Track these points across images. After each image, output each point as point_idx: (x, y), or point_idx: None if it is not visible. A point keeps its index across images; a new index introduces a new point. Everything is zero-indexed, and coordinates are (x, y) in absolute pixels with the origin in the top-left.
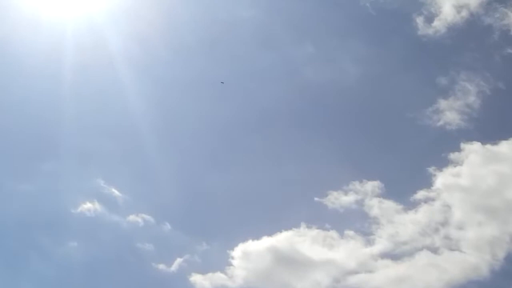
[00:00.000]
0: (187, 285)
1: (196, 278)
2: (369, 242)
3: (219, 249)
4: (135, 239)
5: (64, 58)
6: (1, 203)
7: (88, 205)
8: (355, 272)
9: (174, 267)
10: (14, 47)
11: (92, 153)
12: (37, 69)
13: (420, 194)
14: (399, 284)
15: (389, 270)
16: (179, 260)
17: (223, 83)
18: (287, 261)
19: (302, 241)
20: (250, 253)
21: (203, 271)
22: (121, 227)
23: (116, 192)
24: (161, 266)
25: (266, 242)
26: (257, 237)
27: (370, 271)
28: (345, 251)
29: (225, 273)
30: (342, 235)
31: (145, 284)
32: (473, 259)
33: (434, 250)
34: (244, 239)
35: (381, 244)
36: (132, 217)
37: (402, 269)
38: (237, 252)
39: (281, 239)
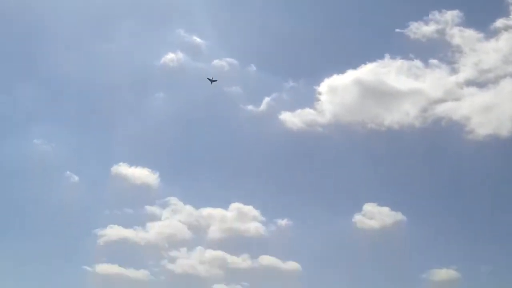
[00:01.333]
0: (277, 123)
1: (285, 115)
2: (454, 70)
3: (306, 86)
4: (221, 83)
5: None
6: (88, 62)
7: (170, 56)
8: (442, 100)
9: (262, 106)
10: None
11: (170, 3)
12: None
13: (500, 22)
14: (486, 112)
15: (476, 98)
16: (267, 99)
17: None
18: (374, 93)
19: (387, 72)
20: (336, 87)
21: (292, 108)
22: (206, 73)
23: (197, 39)
24: (250, 107)
25: (350, 75)
26: (341, 71)
27: (457, 99)
28: (431, 80)
29: (314, 109)
30: (426, 64)
31: (236, 125)
32: None
33: None
34: (329, 74)
35: (465, 72)
36: (216, 62)
37: (488, 96)
38: (323, 87)
39: (366, 72)
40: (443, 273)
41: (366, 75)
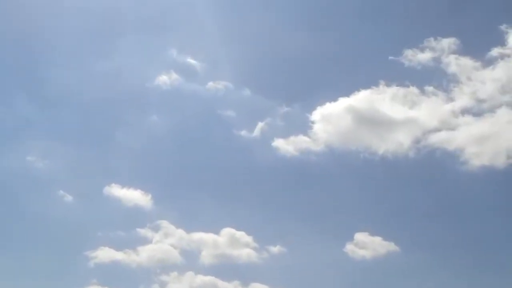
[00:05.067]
0: (270, 150)
1: (278, 142)
2: (450, 99)
3: (300, 112)
4: (215, 107)
5: None
6: (81, 81)
7: (164, 77)
8: (437, 130)
9: (256, 132)
10: None
11: (164, 23)
12: None
13: (496, 51)
14: (482, 142)
15: (471, 128)
16: (260, 125)
17: None
18: (368, 121)
19: (382, 99)
20: (330, 115)
21: (285, 135)
22: (200, 96)
23: (192, 60)
24: (243, 132)
25: (343, 102)
26: (335, 98)
27: (452, 129)
28: (426, 108)
29: (308, 136)
30: (422, 91)
31: (228, 151)
32: None
33: None
34: (323, 101)
35: (461, 100)
36: (211, 85)
37: (484, 126)
38: (317, 114)
39: (360, 99)
40: None
41: (359, 102)
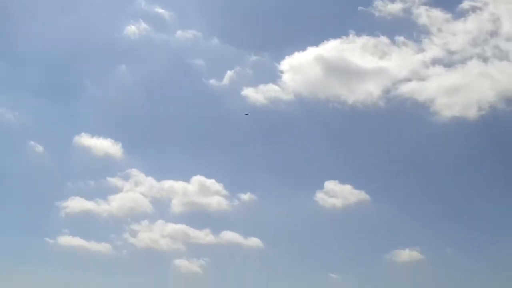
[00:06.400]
0: (239, 99)
1: (248, 91)
2: (420, 50)
3: (269, 61)
4: (184, 56)
5: None
6: (50, 33)
7: (132, 27)
8: (407, 80)
9: (225, 80)
10: None
11: None
12: None
13: (467, 4)
14: (452, 93)
15: (442, 79)
16: (229, 73)
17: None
18: (337, 71)
19: (351, 49)
20: (299, 64)
21: (254, 84)
22: (169, 45)
23: (160, 10)
24: (213, 81)
25: (313, 52)
26: (303, 48)
27: (423, 79)
28: (396, 58)
29: (277, 85)
30: (393, 41)
31: (197, 99)
32: None
33: (485, 60)
34: (292, 51)
35: (432, 51)
36: (179, 34)
37: (455, 78)
38: (286, 64)
39: (329, 48)
40: (406, 254)
41: (329, 52)
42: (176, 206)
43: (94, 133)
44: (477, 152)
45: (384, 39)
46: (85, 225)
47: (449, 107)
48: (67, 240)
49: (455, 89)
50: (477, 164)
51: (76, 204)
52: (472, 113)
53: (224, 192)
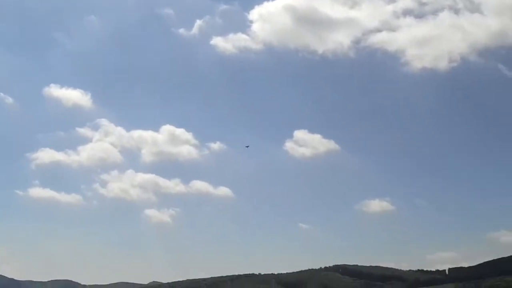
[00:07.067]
0: (209, 48)
1: (217, 40)
2: (392, 0)
3: (238, 10)
4: (153, 5)
5: None
6: None
7: None
8: (377, 30)
9: (194, 30)
10: None
11: None
12: None
13: None
14: (423, 44)
15: (413, 30)
16: (199, 23)
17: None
18: (307, 20)
19: None
20: (269, 13)
21: (224, 33)
22: None
23: None
24: (182, 30)
25: (282, 1)
26: None
27: (393, 30)
28: (367, 9)
29: (246, 34)
30: None
31: (167, 49)
32: (496, 24)
33: (456, 11)
34: (261, 0)
35: (403, 1)
36: None
37: (426, 29)
38: (255, 13)
39: None
40: (376, 205)
41: (298, 1)
42: (146, 155)
43: (63, 84)
44: (448, 103)
45: None
46: (55, 176)
47: (419, 58)
48: (37, 191)
49: (426, 41)
50: (448, 115)
51: (46, 155)
52: (443, 64)
53: (194, 141)
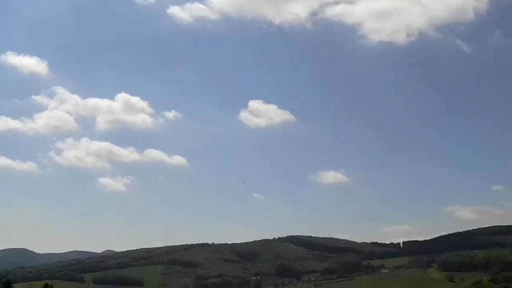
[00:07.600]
0: (165, 17)
1: (174, 10)
2: None
3: None
4: None
5: None
6: None
7: None
8: (335, 2)
9: None
10: None
11: None
12: None
13: None
14: (381, 17)
15: (370, 3)
16: None
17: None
18: None
19: None
20: None
21: (180, 2)
22: None
23: None
24: None
25: None
26: None
27: (351, 2)
28: None
29: (204, 4)
30: None
31: (124, 18)
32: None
33: None
34: None
35: None
36: None
37: (384, 2)
38: None
39: None
40: (331, 176)
41: None
42: (101, 124)
43: (20, 51)
44: (405, 77)
45: None
46: (10, 144)
47: (377, 32)
48: None
49: (384, 14)
50: (405, 88)
51: (2, 123)
52: (400, 38)
53: (149, 109)
